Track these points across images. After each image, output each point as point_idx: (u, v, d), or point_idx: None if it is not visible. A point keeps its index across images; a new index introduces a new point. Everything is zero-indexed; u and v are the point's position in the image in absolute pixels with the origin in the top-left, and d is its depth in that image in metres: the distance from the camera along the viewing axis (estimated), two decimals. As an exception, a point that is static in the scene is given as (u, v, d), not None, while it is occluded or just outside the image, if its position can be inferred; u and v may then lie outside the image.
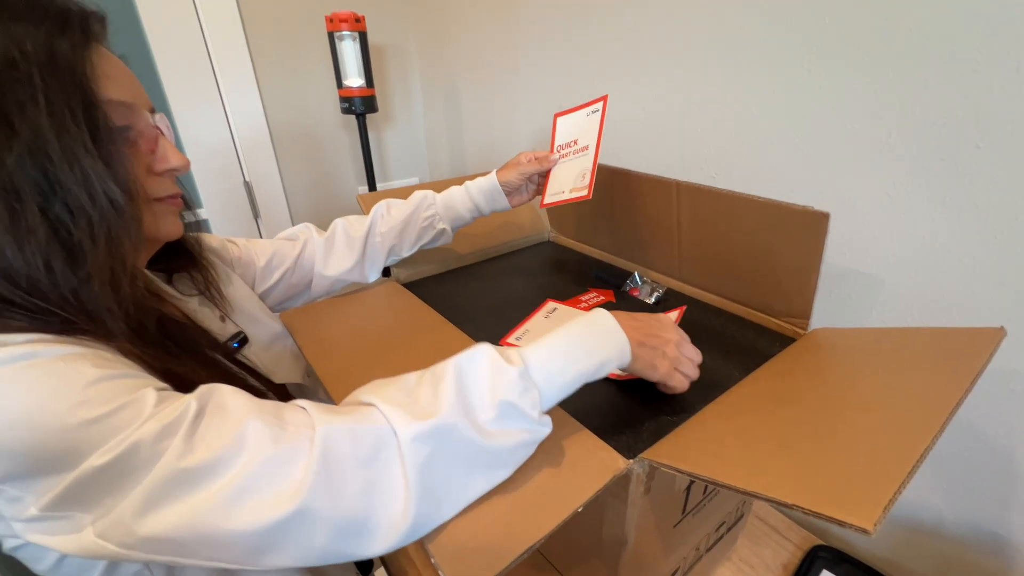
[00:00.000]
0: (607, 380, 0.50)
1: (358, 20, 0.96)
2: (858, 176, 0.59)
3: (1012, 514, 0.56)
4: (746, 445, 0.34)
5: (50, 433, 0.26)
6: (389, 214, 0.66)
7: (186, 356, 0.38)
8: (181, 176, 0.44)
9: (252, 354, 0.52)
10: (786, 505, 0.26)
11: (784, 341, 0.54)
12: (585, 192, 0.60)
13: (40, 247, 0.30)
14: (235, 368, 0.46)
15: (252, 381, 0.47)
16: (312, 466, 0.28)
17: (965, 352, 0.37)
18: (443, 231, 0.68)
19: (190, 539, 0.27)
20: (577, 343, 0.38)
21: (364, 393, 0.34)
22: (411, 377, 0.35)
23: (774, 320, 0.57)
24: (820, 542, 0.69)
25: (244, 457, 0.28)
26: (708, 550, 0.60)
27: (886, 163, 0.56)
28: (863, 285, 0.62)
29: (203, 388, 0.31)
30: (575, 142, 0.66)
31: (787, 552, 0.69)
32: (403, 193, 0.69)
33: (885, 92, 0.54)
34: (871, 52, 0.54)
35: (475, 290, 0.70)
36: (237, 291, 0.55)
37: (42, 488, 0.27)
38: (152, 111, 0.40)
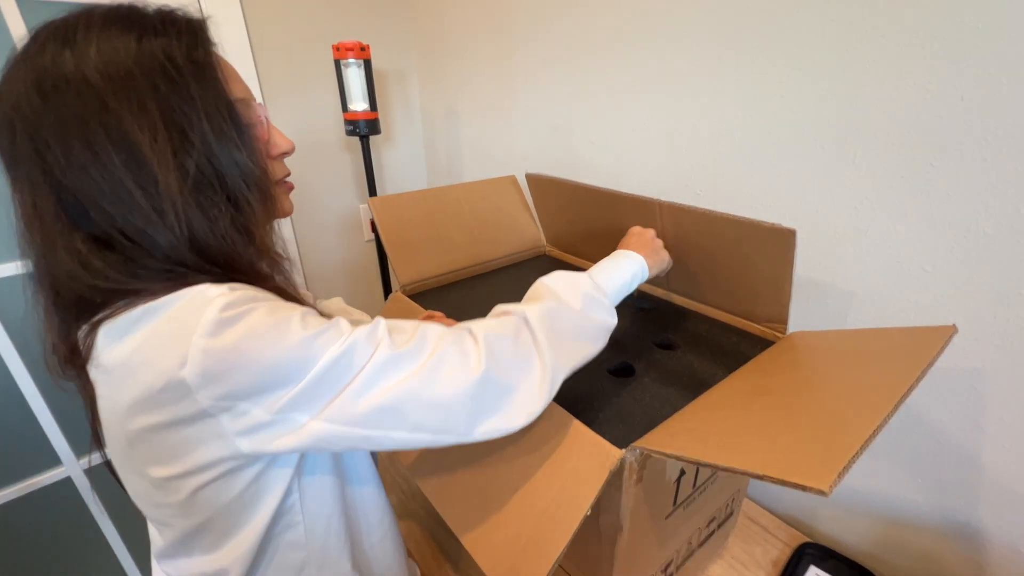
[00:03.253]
0: (602, 377, 0.54)
1: (363, 49, 1.02)
2: (828, 192, 0.64)
3: (980, 505, 0.60)
4: (726, 431, 0.38)
5: (288, 348, 0.33)
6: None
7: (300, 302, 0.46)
8: None
9: None
10: (757, 476, 0.30)
11: (764, 344, 0.59)
12: None
13: (226, 228, 0.37)
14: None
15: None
16: (481, 346, 0.39)
17: (919, 346, 0.41)
18: None
19: (402, 406, 0.35)
20: (615, 267, 0.53)
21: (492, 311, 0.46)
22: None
23: (755, 325, 0.62)
24: (808, 540, 0.73)
25: (433, 345, 0.38)
26: (700, 545, 0.63)
27: (853, 180, 0.61)
28: (837, 293, 0.66)
29: (376, 318, 0.39)
30: None
31: (776, 550, 0.72)
32: (412, 197, 0.73)
33: (851, 117, 0.60)
34: (839, 81, 0.60)
35: (476, 301, 0.74)
36: None
37: (275, 397, 0.33)
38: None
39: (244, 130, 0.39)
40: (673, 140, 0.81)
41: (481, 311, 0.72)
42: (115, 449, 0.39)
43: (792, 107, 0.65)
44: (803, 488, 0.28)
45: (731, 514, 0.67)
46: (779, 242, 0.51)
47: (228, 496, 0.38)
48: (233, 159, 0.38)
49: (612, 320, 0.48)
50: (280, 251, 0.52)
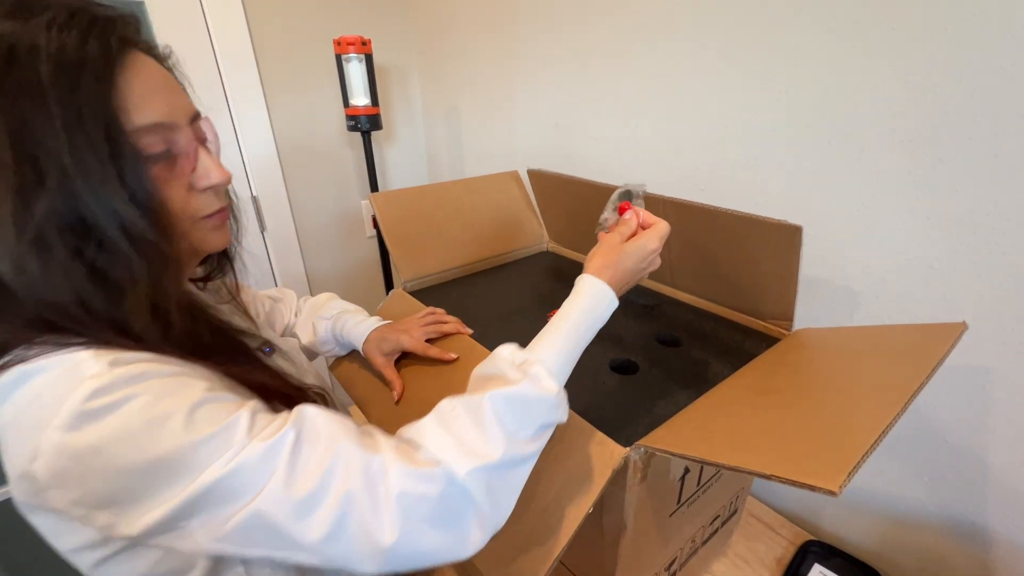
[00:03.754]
0: (605, 374, 0.53)
1: (364, 43, 1.01)
2: (833, 189, 0.63)
3: (988, 504, 0.59)
4: (732, 430, 0.38)
5: (161, 456, 0.27)
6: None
7: (241, 358, 0.40)
8: None
9: (281, 363, 0.51)
10: (765, 476, 0.30)
11: (770, 341, 0.58)
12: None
13: (75, 289, 0.30)
14: (281, 369, 0.46)
15: (293, 381, 0.46)
16: (394, 507, 0.31)
17: (929, 344, 0.41)
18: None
19: (290, 557, 0.30)
20: (582, 331, 0.42)
21: (415, 433, 0.36)
22: (448, 408, 0.37)
23: (760, 322, 0.61)
24: (812, 537, 0.72)
25: (339, 490, 0.30)
26: (704, 543, 0.62)
27: (858, 177, 0.61)
28: (842, 291, 0.66)
29: (296, 412, 0.33)
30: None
31: (780, 547, 0.71)
32: (412, 192, 0.73)
33: (856, 113, 0.59)
34: (843, 75, 0.59)
35: (479, 298, 0.74)
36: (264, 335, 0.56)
37: (138, 512, 0.28)
38: (196, 117, 0.38)
39: (138, 166, 0.31)
40: (676, 137, 0.81)
41: (483, 309, 0.72)
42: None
43: (796, 103, 0.64)
44: (812, 488, 0.28)
45: (735, 512, 0.67)
46: (785, 238, 0.51)
47: (139, 570, 0.32)
48: (110, 204, 0.29)
49: (560, 421, 0.39)
50: (208, 300, 0.46)
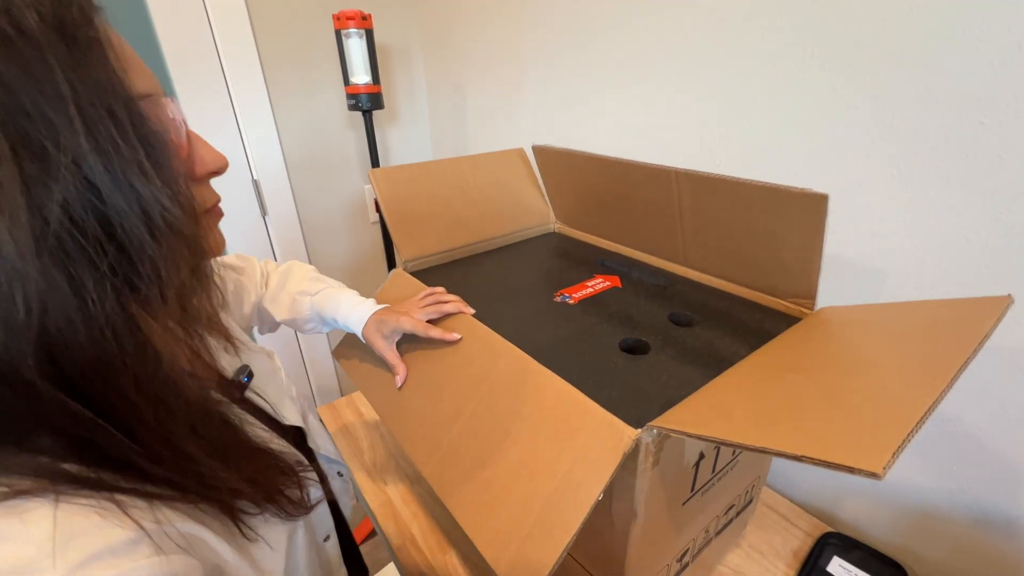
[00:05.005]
0: (614, 354, 0.50)
1: (364, 18, 0.98)
2: (861, 156, 0.59)
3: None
4: (754, 408, 0.35)
5: None
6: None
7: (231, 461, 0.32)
8: None
9: (259, 390, 0.46)
10: (795, 457, 0.26)
11: (790, 320, 0.55)
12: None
13: (111, 308, 0.23)
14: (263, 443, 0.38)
15: (261, 430, 0.40)
16: None
17: (971, 319, 0.37)
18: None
19: None
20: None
21: None
22: None
23: (780, 301, 0.58)
24: (830, 529, 0.69)
25: None
26: (718, 533, 0.59)
27: (889, 143, 0.56)
28: (867, 270, 0.62)
29: None
30: None
31: (797, 539, 0.68)
32: (413, 169, 0.70)
33: (887, 70, 0.55)
34: (872, 29, 0.55)
35: (483, 278, 0.71)
36: (232, 316, 0.52)
37: None
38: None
39: (154, 142, 0.25)
40: (689, 114, 0.76)
41: (486, 290, 0.69)
42: None
43: (820, 62, 0.60)
44: (851, 470, 0.24)
45: (750, 501, 0.64)
46: (810, 209, 0.47)
47: None
48: (133, 191, 0.24)
49: None
50: (208, 317, 0.37)
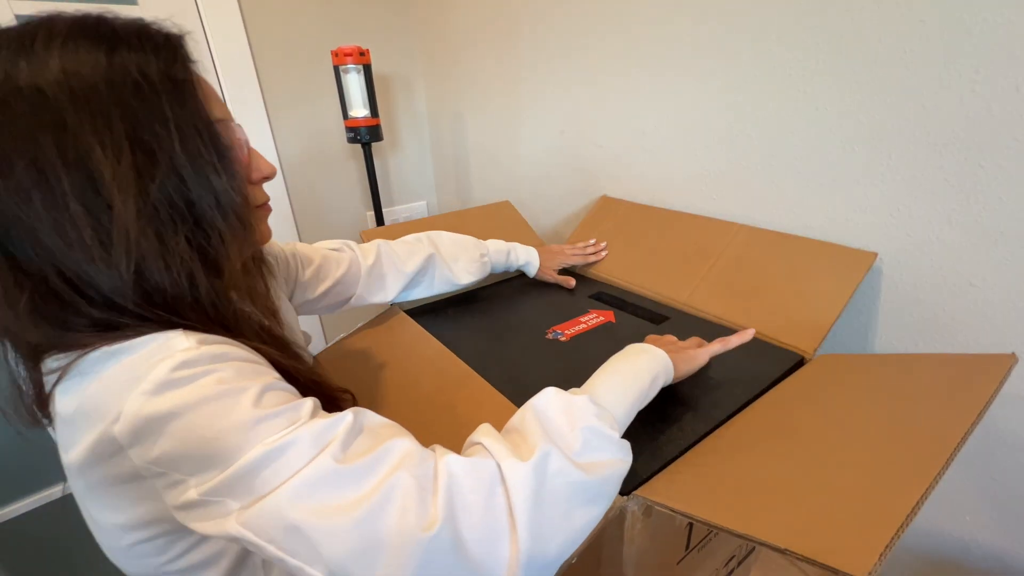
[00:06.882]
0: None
1: (362, 53, 0.99)
2: (859, 198, 0.58)
3: (1041, 548, 0.53)
4: (743, 485, 0.33)
5: (228, 427, 0.29)
6: (440, 252, 0.70)
7: (288, 354, 0.40)
8: None
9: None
10: (780, 550, 0.25)
11: (790, 358, 0.53)
12: None
13: (185, 265, 0.33)
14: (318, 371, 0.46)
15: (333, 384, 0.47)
16: (441, 494, 0.30)
17: (973, 380, 0.36)
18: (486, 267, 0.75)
19: (325, 540, 0.28)
20: (628, 370, 0.42)
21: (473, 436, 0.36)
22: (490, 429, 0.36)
23: (784, 340, 0.56)
24: None
25: (390, 470, 0.30)
26: (718, 585, 0.57)
27: (887, 185, 0.55)
28: (867, 310, 0.60)
29: (355, 408, 0.34)
30: None
31: (804, 586, 0.66)
32: (407, 228, 0.70)
33: (885, 113, 0.54)
34: (870, 70, 0.54)
35: (478, 314, 0.70)
36: (282, 302, 0.55)
37: (206, 476, 0.29)
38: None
39: (224, 152, 0.35)
40: (686, 143, 0.76)
41: (478, 327, 0.68)
42: (72, 486, 0.36)
43: (817, 103, 0.59)
44: (834, 572, 0.23)
45: (752, 549, 0.62)
46: (853, 264, 0.47)
47: (166, 557, 0.34)
48: (209, 185, 0.34)
49: (623, 462, 0.35)
50: (261, 288, 0.48)
